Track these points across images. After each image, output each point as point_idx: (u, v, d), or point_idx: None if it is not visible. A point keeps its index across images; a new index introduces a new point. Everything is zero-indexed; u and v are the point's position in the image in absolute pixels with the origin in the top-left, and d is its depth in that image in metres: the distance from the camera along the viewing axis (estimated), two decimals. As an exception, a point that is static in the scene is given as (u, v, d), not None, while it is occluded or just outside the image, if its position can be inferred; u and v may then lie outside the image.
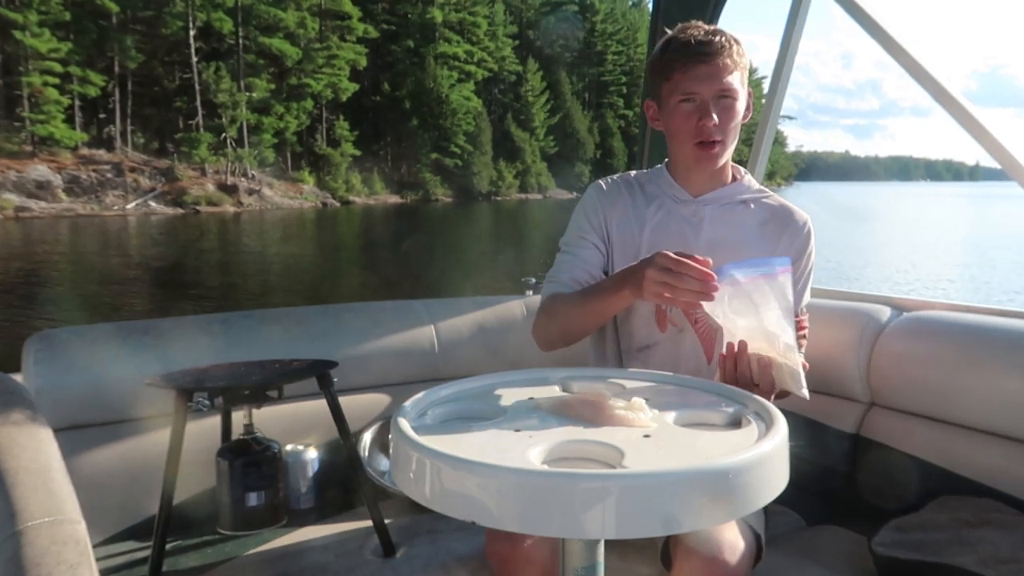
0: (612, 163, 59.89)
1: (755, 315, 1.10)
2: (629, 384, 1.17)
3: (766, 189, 1.52)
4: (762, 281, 1.10)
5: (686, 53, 1.37)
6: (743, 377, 1.15)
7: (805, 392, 1.11)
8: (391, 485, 1.76)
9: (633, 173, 1.57)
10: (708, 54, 1.36)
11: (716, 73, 1.36)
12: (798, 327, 1.44)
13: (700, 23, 1.41)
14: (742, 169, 1.53)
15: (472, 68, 52.82)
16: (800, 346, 1.44)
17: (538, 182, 56.56)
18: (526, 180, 55.87)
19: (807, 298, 1.49)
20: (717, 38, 1.37)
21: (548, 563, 1.27)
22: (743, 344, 1.15)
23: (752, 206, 1.48)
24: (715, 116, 1.37)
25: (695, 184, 1.48)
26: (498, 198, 52.14)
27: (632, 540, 1.36)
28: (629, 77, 65.47)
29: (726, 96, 1.38)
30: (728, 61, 1.36)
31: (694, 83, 1.37)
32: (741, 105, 1.40)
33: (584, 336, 1.46)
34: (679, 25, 1.42)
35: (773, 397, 1.17)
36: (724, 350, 1.19)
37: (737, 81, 1.39)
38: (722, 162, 1.45)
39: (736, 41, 1.39)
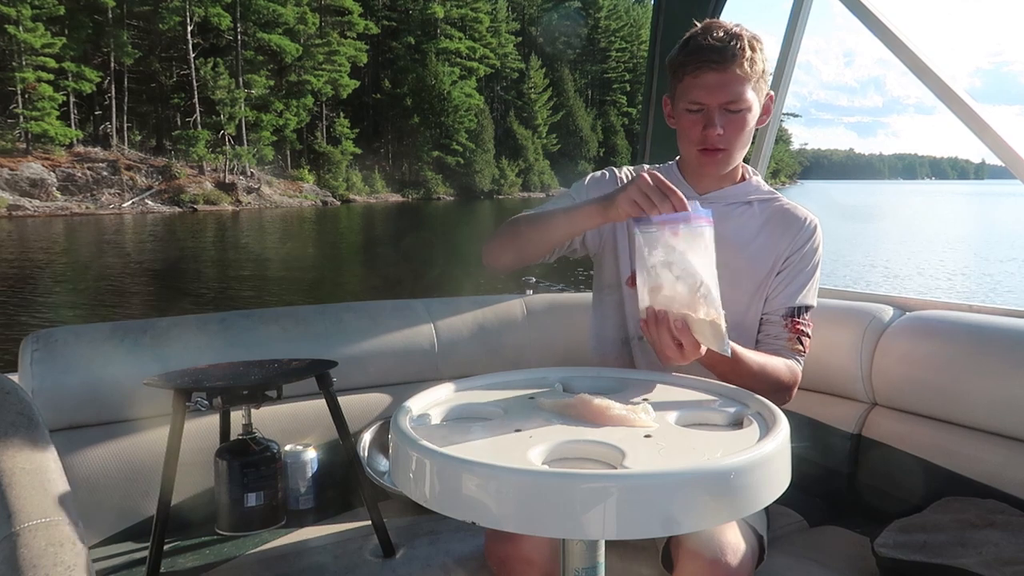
0: (615, 161, 59.24)
1: (676, 265, 1.07)
2: (629, 384, 1.16)
3: (775, 192, 1.50)
4: (680, 227, 1.08)
5: (698, 58, 1.33)
6: (664, 341, 1.10)
7: (727, 348, 1.08)
8: (391, 485, 1.75)
9: (646, 167, 1.54)
10: (718, 62, 1.31)
11: (726, 83, 1.32)
12: (793, 328, 1.41)
13: (723, 22, 1.36)
14: (751, 170, 1.51)
15: (474, 64, 52.82)
16: (800, 351, 1.41)
17: (541, 180, 56.50)
18: (528, 178, 55.86)
19: (810, 299, 1.44)
20: (732, 43, 1.32)
21: (547, 564, 1.27)
22: (662, 311, 1.10)
23: (756, 207, 1.46)
24: (720, 127, 1.34)
25: (702, 183, 1.46)
26: (500, 196, 52.08)
27: (633, 541, 1.36)
28: (633, 74, 65.41)
29: (734, 108, 1.34)
30: (739, 71, 1.32)
31: (702, 92, 1.34)
32: (752, 115, 1.37)
33: (535, 255, 1.40)
34: (704, 22, 1.37)
35: (705, 352, 1.12)
36: (644, 315, 1.13)
37: (749, 91, 1.34)
38: (728, 167, 1.43)
39: (753, 47, 1.33)
